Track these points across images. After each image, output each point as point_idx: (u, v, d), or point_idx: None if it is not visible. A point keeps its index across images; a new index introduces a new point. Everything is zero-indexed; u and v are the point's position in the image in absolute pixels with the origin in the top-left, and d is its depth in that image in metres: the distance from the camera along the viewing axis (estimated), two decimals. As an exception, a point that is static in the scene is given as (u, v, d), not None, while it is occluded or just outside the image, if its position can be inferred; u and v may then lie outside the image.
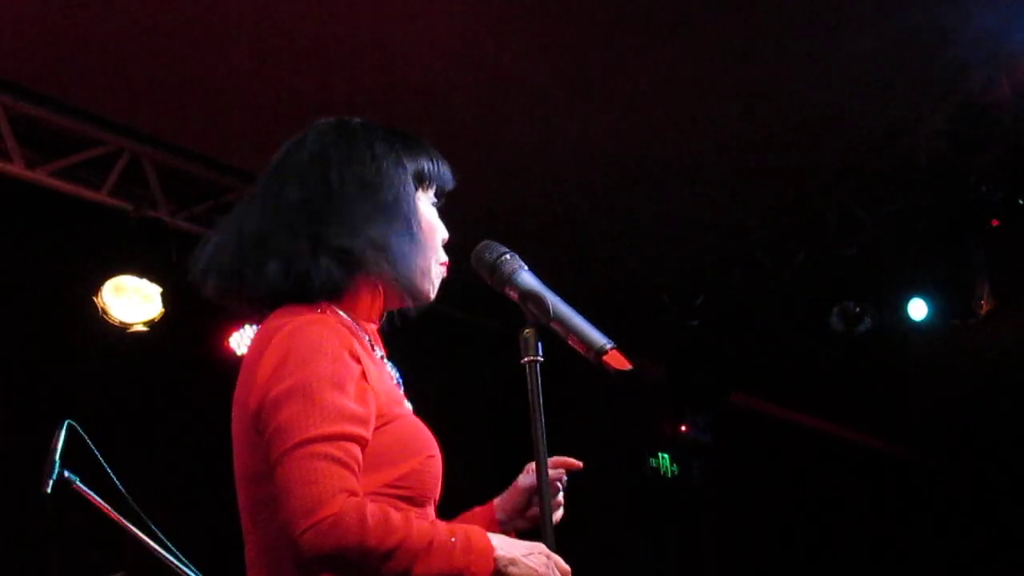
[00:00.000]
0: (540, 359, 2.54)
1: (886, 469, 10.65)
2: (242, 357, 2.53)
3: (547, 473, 2.50)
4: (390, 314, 2.65)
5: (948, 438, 10.33)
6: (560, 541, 2.45)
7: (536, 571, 2.34)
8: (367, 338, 2.50)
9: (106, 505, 4.30)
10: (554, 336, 2.57)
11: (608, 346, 2.51)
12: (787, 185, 7.25)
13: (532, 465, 2.59)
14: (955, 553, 10.51)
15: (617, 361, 2.51)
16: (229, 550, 2.54)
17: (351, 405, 2.30)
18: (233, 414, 2.44)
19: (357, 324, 2.49)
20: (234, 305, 2.57)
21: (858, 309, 7.89)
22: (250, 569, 2.42)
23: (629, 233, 7.48)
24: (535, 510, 2.65)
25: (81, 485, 4.31)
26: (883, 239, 7.56)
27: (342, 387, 2.30)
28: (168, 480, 5.90)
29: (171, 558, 4.30)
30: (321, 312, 2.43)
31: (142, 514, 4.28)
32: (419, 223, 2.54)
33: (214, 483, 3.22)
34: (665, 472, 9.55)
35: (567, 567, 2.40)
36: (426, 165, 2.59)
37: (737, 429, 9.60)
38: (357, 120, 2.61)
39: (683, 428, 9.38)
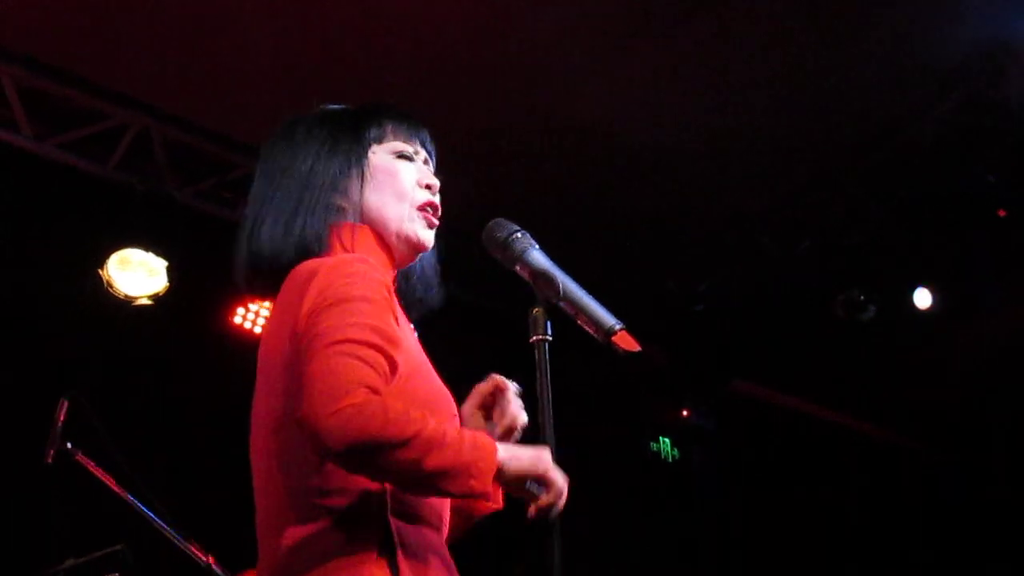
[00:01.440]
0: (549, 338, 2.54)
1: (887, 458, 10.65)
2: (247, 332, 2.56)
3: (553, 439, 2.49)
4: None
5: (950, 428, 10.32)
6: (561, 522, 2.44)
7: (535, 458, 2.39)
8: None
9: (107, 476, 4.29)
10: (563, 317, 2.56)
11: (617, 327, 2.51)
12: (793, 173, 7.23)
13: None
14: (951, 540, 10.52)
15: (626, 342, 2.51)
16: (227, 522, 2.52)
17: (387, 327, 2.35)
18: (264, 356, 2.50)
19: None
20: (262, 287, 2.64)
21: (862, 297, 7.88)
22: (266, 520, 2.46)
23: (635, 218, 7.46)
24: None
25: (83, 456, 4.30)
26: (889, 228, 7.54)
27: (381, 312, 2.37)
28: (169, 453, 5.89)
29: (170, 530, 4.29)
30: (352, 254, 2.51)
31: (143, 486, 4.27)
32: (369, 169, 2.66)
33: (214, 455, 3.21)
34: (666, 456, 9.55)
35: (564, 476, 2.44)
36: (373, 125, 2.70)
37: (738, 415, 9.60)
38: (307, 112, 2.78)
39: (684, 413, 9.37)
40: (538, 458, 2.39)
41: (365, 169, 2.64)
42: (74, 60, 6.10)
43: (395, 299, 2.50)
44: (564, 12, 5.91)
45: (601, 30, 6.05)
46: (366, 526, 2.33)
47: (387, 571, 2.31)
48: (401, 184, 2.65)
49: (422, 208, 2.67)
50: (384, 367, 2.31)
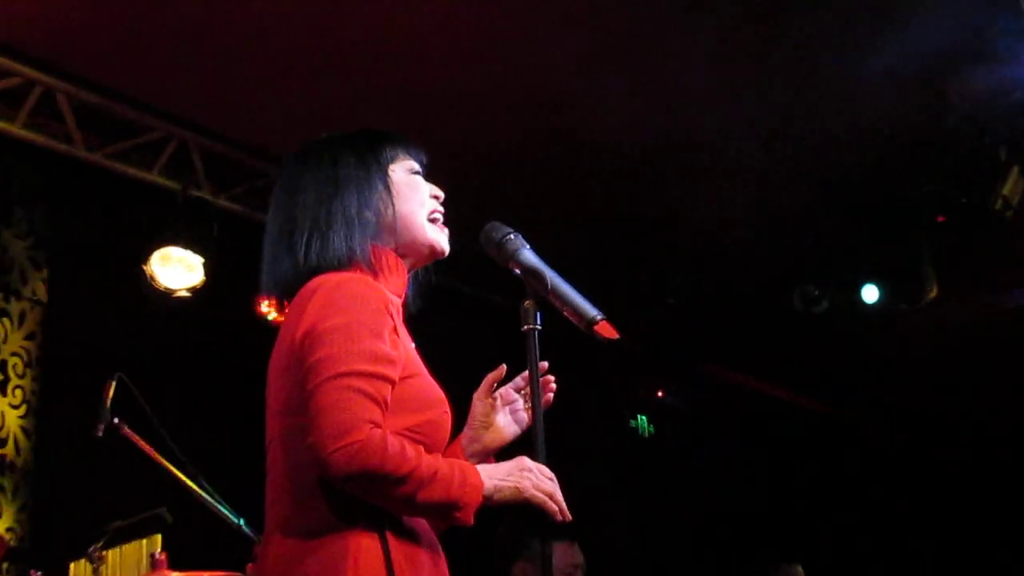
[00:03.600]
0: (539, 327, 2.56)
1: (838, 431, 10.68)
2: (272, 320, 2.59)
3: (541, 420, 2.53)
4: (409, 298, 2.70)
5: (894, 406, 10.36)
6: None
7: (516, 486, 2.40)
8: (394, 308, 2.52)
9: (150, 447, 4.29)
10: (551, 308, 2.57)
11: (599, 317, 2.53)
12: (756, 182, 7.21)
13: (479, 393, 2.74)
14: (898, 502, 10.57)
15: (606, 331, 2.53)
16: (253, 486, 2.54)
17: (385, 349, 2.35)
18: (275, 353, 2.49)
19: (387, 292, 2.52)
20: (284, 293, 2.60)
21: (817, 292, 7.90)
22: (273, 494, 2.47)
23: (616, 222, 7.46)
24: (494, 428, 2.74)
25: (128, 430, 4.31)
26: (841, 232, 7.55)
27: (379, 334, 2.36)
28: (204, 426, 5.90)
29: (205, 494, 4.30)
30: (360, 273, 2.49)
31: (181, 456, 4.28)
32: (394, 188, 2.64)
33: (243, 429, 3.22)
34: (643, 432, 9.58)
35: (549, 472, 2.45)
36: (387, 149, 2.68)
37: (707, 395, 9.62)
38: (320, 137, 2.74)
39: (659, 393, 9.40)
40: (518, 484, 2.40)
41: (391, 186, 2.62)
42: (122, 79, 6.09)
43: (395, 310, 2.48)
44: (556, 34, 5.90)
45: (590, 51, 6.04)
46: (358, 503, 2.32)
47: (377, 541, 2.32)
48: (422, 195, 2.66)
49: (432, 217, 2.67)
50: (384, 394, 2.32)
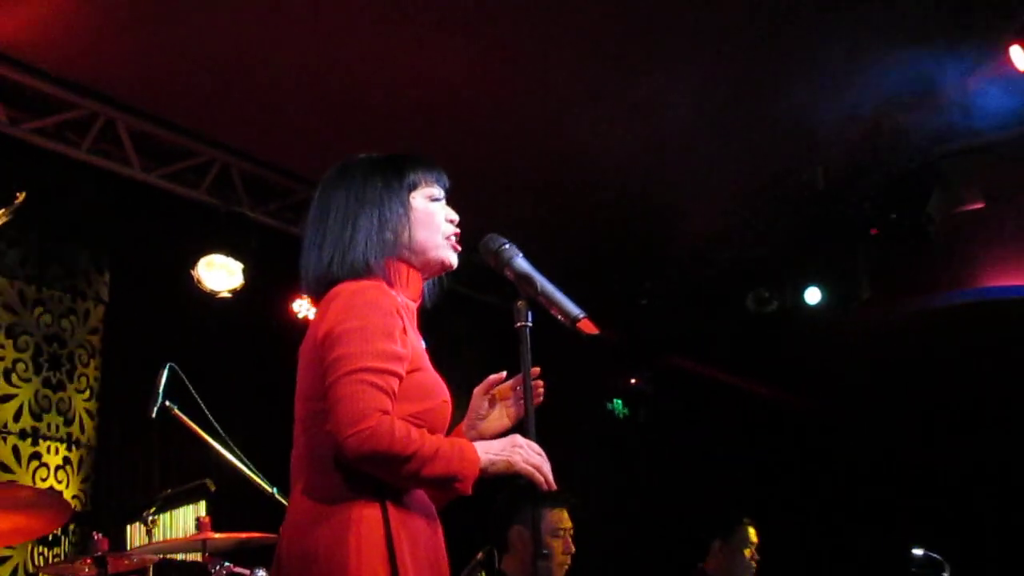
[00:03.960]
0: (530, 325, 2.56)
1: (786, 415, 10.67)
2: (302, 319, 2.60)
3: (532, 403, 2.52)
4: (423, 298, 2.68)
5: (831, 392, 10.35)
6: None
7: (508, 460, 2.40)
8: (406, 310, 2.52)
9: (196, 427, 4.28)
10: (540, 308, 2.58)
11: (581, 315, 2.54)
12: (718, 202, 7.20)
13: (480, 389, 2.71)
14: (828, 475, 10.58)
15: (587, 327, 2.54)
16: (284, 460, 2.54)
17: (393, 348, 2.35)
18: (303, 347, 2.48)
19: (401, 298, 2.53)
20: (314, 296, 2.59)
21: (767, 294, 7.88)
22: (296, 466, 2.47)
23: (596, 235, 7.46)
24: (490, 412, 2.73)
25: (178, 412, 4.29)
26: (789, 243, 7.55)
27: (389, 335, 2.36)
28: (242, 408, 5.88)
29: (243, 466, 4.29)
30: (377, 281, 2.48)
31: (223, 434, 4.27)
32: (412, 215, 2.59)
33: (276, 410, 3.20)
34: (618, 414, 9.56)
35: (539, 447, 2.45)
36: (412, 174, 2.63)
37: (673, 382, 9.61)
38: (357, 157, 2.69)
39: (632, 381, 9.37)
40: (510, 458, 2.41)
41: (411, 213, 2.58)
42: (173, 111, 6.08)
43: (407, 313, 2.49)
44: (545, 72, 5.90)
45: (587, 87, 6.02)
46: (364, 477, 2.33)
47: (378, 511, 2.34)
48: (437, 222, 2.62)
49: (447, 238, 2.64)
50: (393, 386, 2.33)
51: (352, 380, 2.28)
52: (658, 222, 7.30)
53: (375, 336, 2.34)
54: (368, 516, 2.33)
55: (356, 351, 2.31)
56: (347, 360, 2.30)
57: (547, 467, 2.44)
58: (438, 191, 2.66)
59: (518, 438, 2.46)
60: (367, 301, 2.39)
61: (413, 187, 2.62)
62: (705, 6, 5.46)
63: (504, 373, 2.70)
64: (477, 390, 2.73)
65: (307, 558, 2.33)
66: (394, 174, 2.62)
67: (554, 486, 2.44)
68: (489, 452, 2.40)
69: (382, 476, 2.32)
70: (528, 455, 2.42)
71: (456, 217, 2.68)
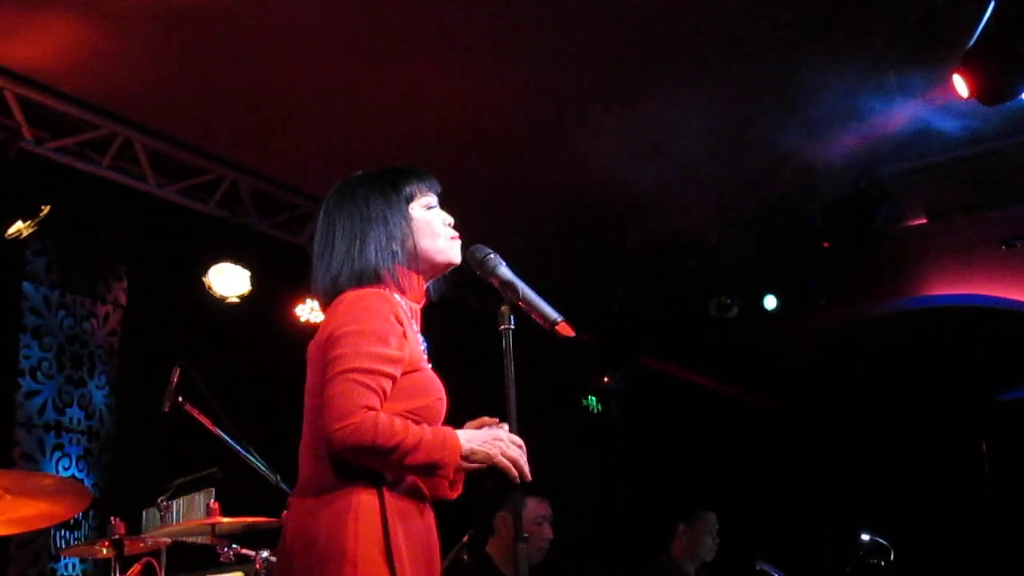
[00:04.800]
0: (512, 327, 2.57)
1: (748, 411, 10.70)
2: (304, 322, 2.61)
3: (514, 401, 2.51)
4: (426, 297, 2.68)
5: (787, 390, 10.39)
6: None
7: (488, 452, 2.40)
8: (410, 313, 2.54)
9: (207, 420, 4.28)
10: (521, 312, 2.59)
11: (559, 319, 2.56)
12: (684, 217, 7.19)
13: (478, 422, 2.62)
14: (791, 473, 10.60)
15: (565, 329, 2.57)
16: (288, 451, 2.54)
17: (387, 351, 2.36)
18: (311, 346, 2.49)
19: (406, 302, 2.53)
20: (323, 302, 2.59)
21: (729, 301, 7.90)
22: (302, 454, 2.48)
23: (575, 246, 7.46)
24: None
25: (190, 406, 4.29)
26: (749, 253, 7.57)
27: (384, 339, 2.37)
28: (250, 404, 5.86)
29: (251, 458, 4.28)
30: (381, 288, 2.49)
31: (231, 427, 4.27)
32: (414, 225, 2.60)
33: (280, 406, 3.20)
34: (593, 410, 9.56)
35: (519, 440, 2.46)
36: (407, 187, 2.63)
37: (643, 381, 9.62)
38: (355, 176, 2.69)
39: (606, 379, 9.36)
40: (490, 451, 2.41)
41: (412, 224, 2.59)
42: (186, 131, 6.07)
43: (407, 318, 2.49)
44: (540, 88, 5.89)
45: (574, 111, 6.01)
46: (360, 467, 2.35)
47: (375, 498, 2.35)
48: (436, 229, 2.63)
49: (448, 238, 2.66)
50: (383, 385, 2.34)
51: (344, 379, 2.30)
52: (632, 236, 7.31)
53: (370, 340, 2.35)
54: (366, 502, 2.34)
55: (351, 352, 2.33)
56: (342, 360, 2.32)
57: (523, 460, 2.45)
58: (432, 199, 2.68)
59: (501, 432, 2.47)
60: (366, 307, 2.41)
61: (410, 199, 2.63)
62: (678, 35, 5.46)
63: (497, 420, 2.64)
64: (469, 424, 2.67)
65: (309, 541, 2.34)
66: (392, 189, 2.63)
67: (529, 478, 2.45)
68: (472, 441, 2.41)
69: (367, 465, 2.34)
70: (507, 448, 2.43)
71: (451, 220, 2.70)
